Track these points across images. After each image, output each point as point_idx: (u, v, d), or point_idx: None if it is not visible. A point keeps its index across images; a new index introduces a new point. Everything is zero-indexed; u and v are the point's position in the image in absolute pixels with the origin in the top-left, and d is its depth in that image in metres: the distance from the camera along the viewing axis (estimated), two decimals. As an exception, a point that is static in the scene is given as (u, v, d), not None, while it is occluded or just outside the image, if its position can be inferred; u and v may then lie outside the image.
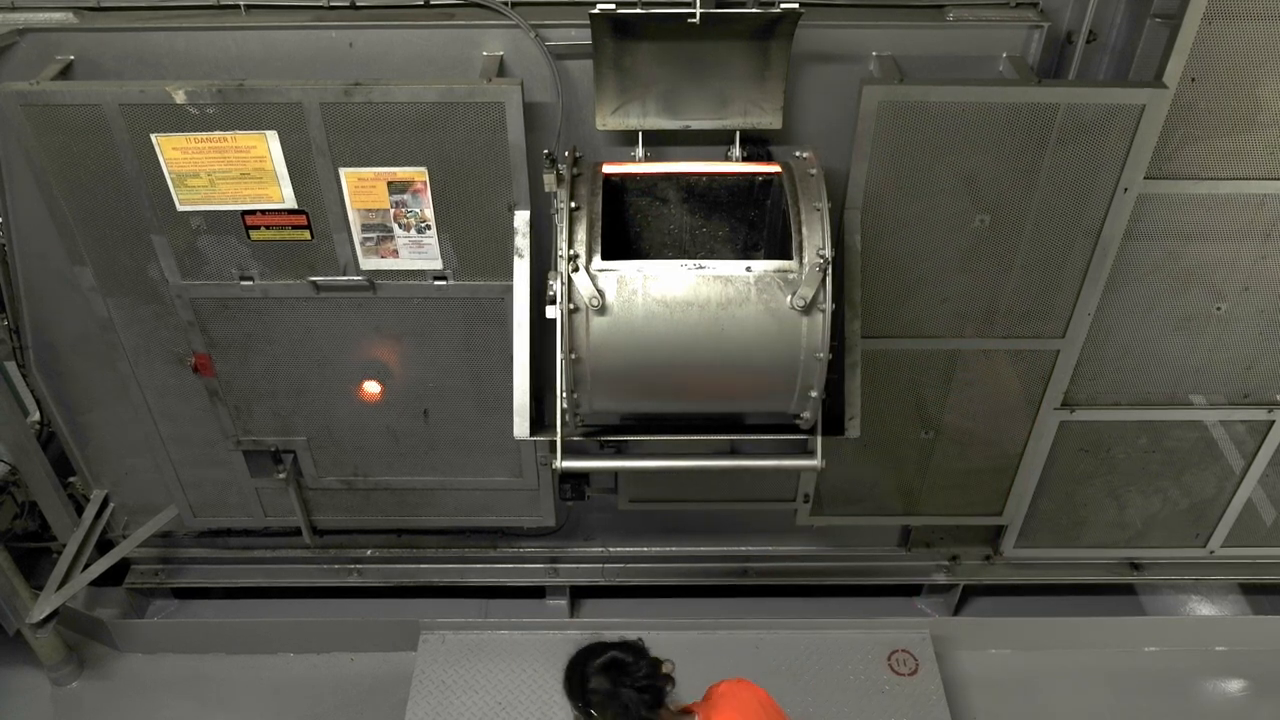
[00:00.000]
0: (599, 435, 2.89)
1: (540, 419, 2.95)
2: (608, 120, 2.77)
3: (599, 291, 2.42)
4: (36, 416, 3.57)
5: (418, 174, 2.74)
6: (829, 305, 2.42)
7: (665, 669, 2.34)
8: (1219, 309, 3.08)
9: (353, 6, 2.79)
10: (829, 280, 2.42)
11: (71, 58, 2.72)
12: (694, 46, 2.61)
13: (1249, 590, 4.02)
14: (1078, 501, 3.59)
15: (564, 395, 2.58)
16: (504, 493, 3.53)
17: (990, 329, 3.07)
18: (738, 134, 2.79)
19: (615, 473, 3.52)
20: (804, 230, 2.44)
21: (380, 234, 2.85)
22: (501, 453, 3.37)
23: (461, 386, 3.20)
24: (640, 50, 2.64)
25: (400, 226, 2.84)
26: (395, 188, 2.76)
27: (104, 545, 3.63)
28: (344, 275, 2.93)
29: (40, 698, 3.74)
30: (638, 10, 2.52)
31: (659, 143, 2.84)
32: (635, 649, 2.36)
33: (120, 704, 3.73)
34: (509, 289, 2.88)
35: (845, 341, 2.82)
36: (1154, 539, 3.72)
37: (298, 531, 3.65)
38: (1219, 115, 2.70)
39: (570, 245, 2.45)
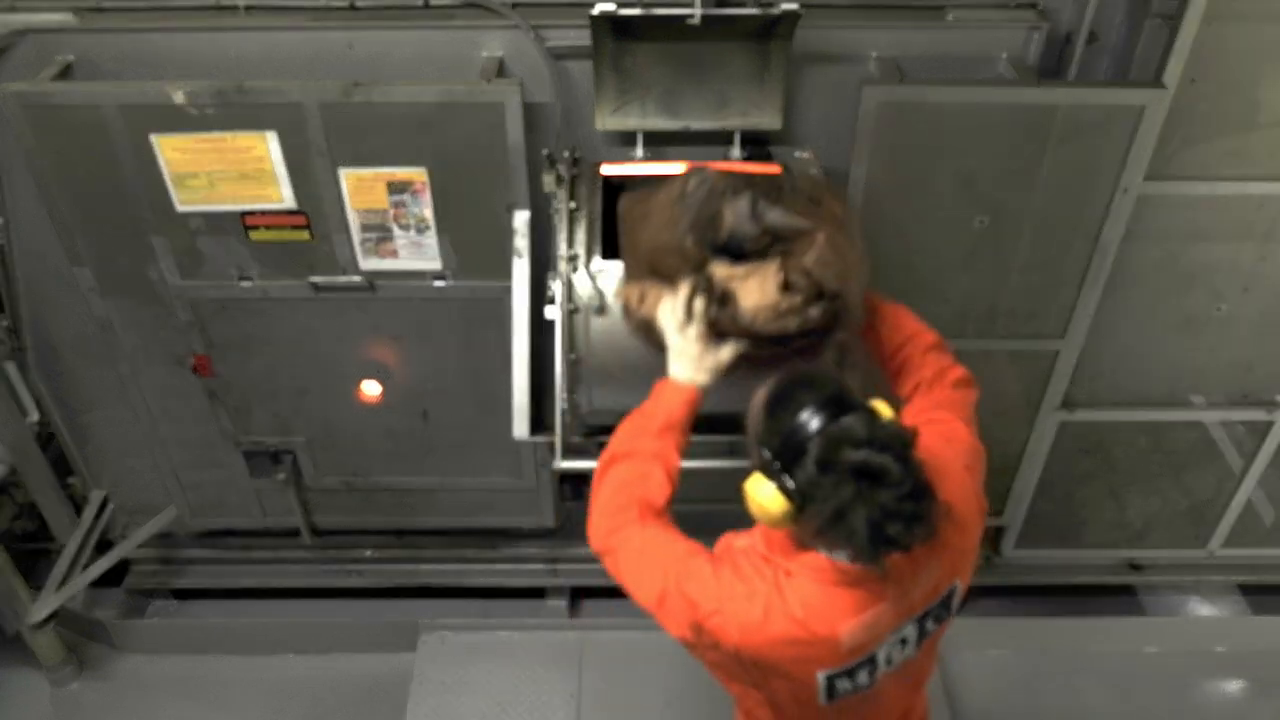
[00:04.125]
0: (599, 435, 2.89)
1: (540, 419, 2.95)
2: (607, 121, 2.77)
3: (598, 291, 2.42)
4: (36, 417, 3.57)
5: (417, 174, 2.74)
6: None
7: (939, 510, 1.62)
8: (1219, 310, 3.07)
9: (352, 8, 2.79)
10: (829, 281, 2.41)
11: (71, 58, 2.72)
12: (694, 47, 2.61)
13: (1249, 590, 4.02)
14: (1078, 502, 3.59)
15: (563, 395, 2.58)
16: (503, 493, 3.52)
17: (990, 329, 3.07)
18: (737, 134, 2.79)
19: (615, 473, 3.51)
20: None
21: (379, 234, 2.85)
22: (501, 453, 3.37)
23: (461, 387, 3.20)
24: (640, 51, 2.64)
25: (400, 227, 2.84)
26: (395, 188, 2.76)
27: (103, 546, 3.63)
28: (343, 276, 2.93)
29: (39, 698, 3.73)
30: (638, 11, 2.52)
31: (658, 143, 2.84)
32: (903, 449, 1.59)
33: (120, 704, 3.72)
34: (508, 289, 2.88)
35: (845, 342, 2.82)
36: (1154, 539, 3.72)
37: (297, 532, 3.65)
38: (1219, 116, 2.70)
39: (569, 245, 2.45)
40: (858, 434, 1.57)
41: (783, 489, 1.65)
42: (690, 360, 1.99)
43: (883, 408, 1.69)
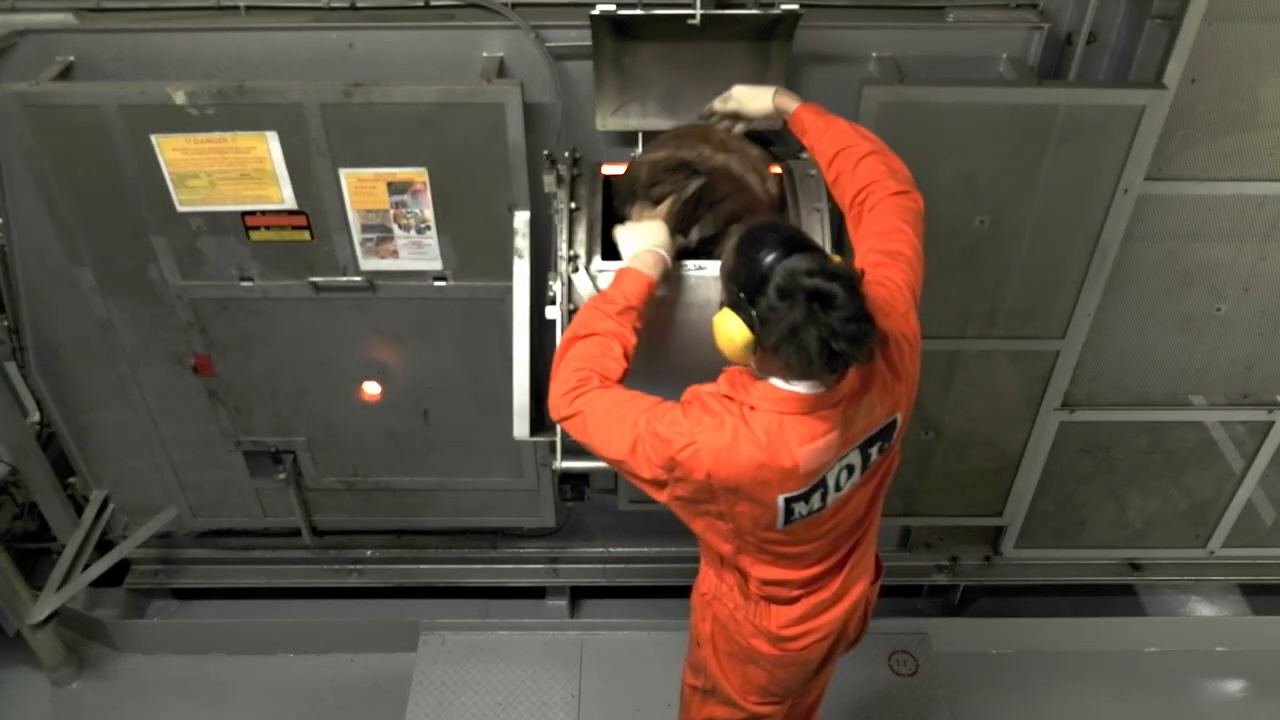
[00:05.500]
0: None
1: (540, 419, 2.95)
2: (608, 121, 2.77)
3: (599, 292, 2.42)
4: (36, 417, 3.57)
5: (417, 174, 2.74)
6: (829, 306, 2.42)
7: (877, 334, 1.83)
8: (1219, 310, 3.08)
9: (353, 7, 2.79)
10: (829, 281, 2.42)
11: (72, 59, 2.72)
12: (694, 47, 2.61)
13: (1249, 590, 4.02)
14: (1078, 502, 3.59)
15: (564, 396, 2.57)
16: (504, 493, 3.53)
17: (991, 329, 3.07)
18: (738, 135, 2.79)
19: (615, 473, 3.51)
20: (803, 231, 2.44)
21: (380, 234, 2.85)
22: (501, 453, 3.37)
23: (461, 387, 3.20)
24: (640, 51, 2.64)
25: (400, 227, 2.84)
26: (395, 188, 2.76)
27: (104, 546, 3.63)
28: (344, 276, 2.93)
29: (40, 698, 3.74)
30: (638, 11, 2.52)
31: (659, 143, 2.84)
32: (850, 282, 1.80)
33: (120, 704, 3.73)
34: (509, 289, 2.88)
35: (845, 342, 2.81)
36: (1154, 539, 3.72)
37: (297, 532, 3.65)
38: (1219, 116, 2.70)
39: (570, 246, 2.45)
40: (811, 265, 1.81)
41: (747, 319, 1.87)
42: (645, 229, 2.31)
43: (834, 257, 1.91)
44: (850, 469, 2.06)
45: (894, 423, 2.10)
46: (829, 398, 1.93)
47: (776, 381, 1.95)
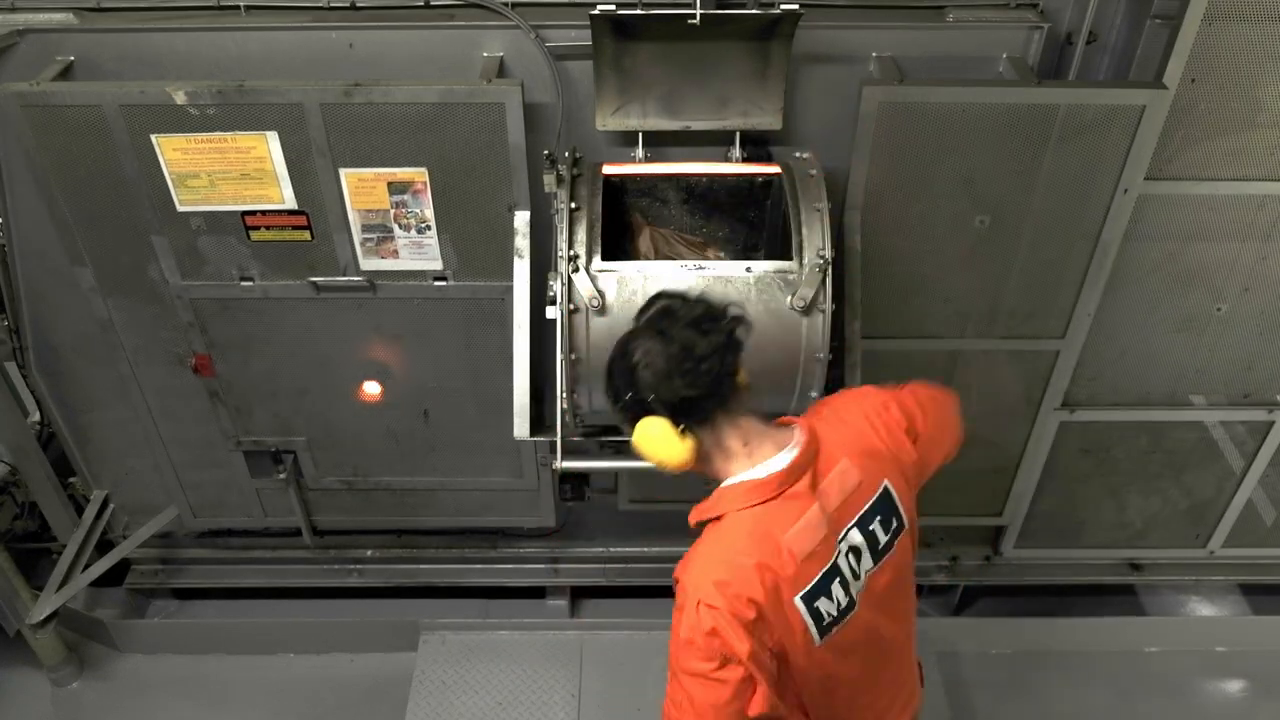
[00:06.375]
0: (599, 435, 2.89)
1: (540, 419, 2.95)
2: (608, 121, 2.77)
3: (599, 292, 2.42)
4: (36, 416, 3.57)
5: (418, 174, 2.74)
6: (829, 306, 2.43)
7: (733, 311, 1.85)
8: (1219, 310, 3.08)
9: (353, 7, 2.79)
10: (829, 281, 2.42)
11: (72, 58, 2.72)
12: (694, 47, 2.61)
13: (1249, 590, 4.02)
14: (1078, 502, 3.59)
15: (564, 395, 2.58)
16: (504, 493, 3.53)
17: (990, 329, 3.07)
18: (738, 135, 2.79)
19: (615, 473, 3.52)
20: (804, 231, 2.45)
21: (380, 234, 2.85)
22: (501, 453, 3.37)
23: (461, 387, 3.20)
24: (640, 51, 2.64)
25: (400, 227, 2.84)
26: (395, 188, 2.76)
27: (104, 546, 3.63)
28: (344, 276, 2.93)
29: (40, 698, 3.74)
30: (638, 11, 2.52)
31: (659, 143, 2.84)
32: (693, 300, 1.86)
33: (120, 704, 3.73)
34: (509, 289, 2.88)
35: (845, 342, 2.82)
36: (1154, 539, 3.72)
37: (298, 532, 3.65)
38: (1219, 116, 2.70)
39: (570, 246, 2.45)
40: (644, 317, 1.87)
41: (649, 410, 1.82)
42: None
43: None
44: (857, 551, 1.92)
45: (886, 494, 1.97)
46: (791, 473, 1.84)
47: (733, 479, 1.87)
